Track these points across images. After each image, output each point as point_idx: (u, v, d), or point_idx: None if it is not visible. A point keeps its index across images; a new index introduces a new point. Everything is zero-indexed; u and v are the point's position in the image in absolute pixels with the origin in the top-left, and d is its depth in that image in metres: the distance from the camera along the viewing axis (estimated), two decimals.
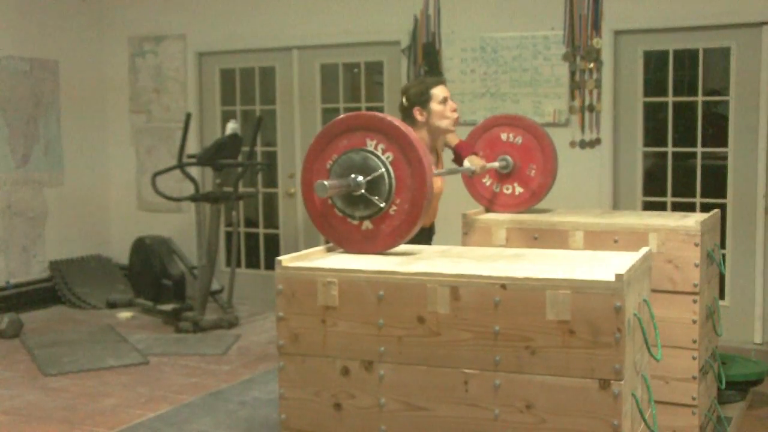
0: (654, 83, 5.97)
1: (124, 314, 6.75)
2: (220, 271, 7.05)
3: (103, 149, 7.72)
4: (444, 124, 3.86)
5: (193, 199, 6.51)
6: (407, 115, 3.81)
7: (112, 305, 7.00)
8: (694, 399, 3.61)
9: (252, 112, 7.31)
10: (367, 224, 2.82)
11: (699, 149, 5.87)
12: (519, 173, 4.07)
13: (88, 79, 7.56)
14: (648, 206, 6.03)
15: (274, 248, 7.20)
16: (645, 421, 2.53)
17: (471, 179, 4.14)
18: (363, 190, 2.78)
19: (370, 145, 2.79)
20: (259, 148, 7.07)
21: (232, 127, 6.45)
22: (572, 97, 6.02)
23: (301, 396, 2.59)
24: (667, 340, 3.38)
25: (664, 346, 3.12)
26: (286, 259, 2.63)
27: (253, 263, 7.41)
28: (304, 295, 2.56)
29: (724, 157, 5.79)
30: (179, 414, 4.50)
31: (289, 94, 7.09)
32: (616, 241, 3.61)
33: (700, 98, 5.85)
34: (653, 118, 6.05)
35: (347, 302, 2.51)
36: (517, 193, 4.10)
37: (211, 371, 5.28)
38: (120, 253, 7.56)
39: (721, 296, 5.39)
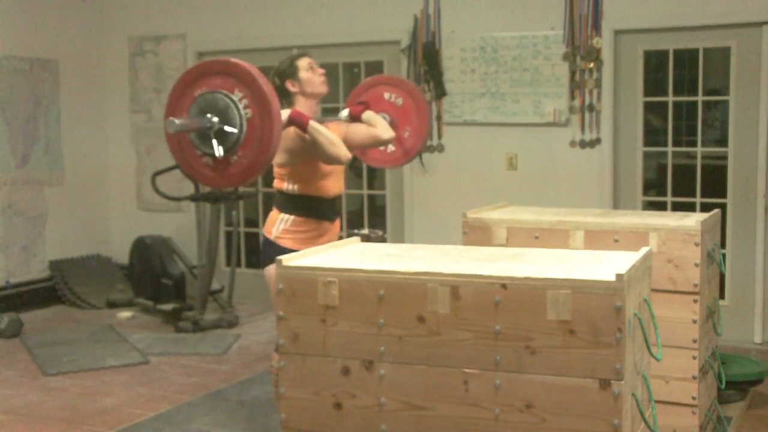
0: (654, 83, 5.97)
1: (124, 314, 6.75)
2: (220, 271, 7.05)
3: (103, 149, 7.72)
4: (316, 88, 3.94)
5: (193, 198, 6.51)
6: (282, 93, 3.89)
7: (112, 305, 7.00)
8: (694, 399, 3.61)
9: None
10: (229, 158, 3.14)
11: (699, 149, 5.87)
12: (395, 132, 4.20)
13: (88, 79, 7.56)
14: (648, 206, 6.04)
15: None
16: (645, 420, 2.53)
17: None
18: (217, 126, 3.10)
19: (229, 90, 3.12)
20: None
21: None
22: (572, 97, 6.02)
23: (301, 396, 2.59)
24: (668, 340, 3.38)
25: (664, 345, 3.12)
26: (286, 259, 2.63)
27: (253, 263, 7.41)
28: (305, 294, 2.56)
29: (724, 157, 5.80)
30: (179, 414, 4.50)
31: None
32: (616, 241, 3.61)
33: (700, 98, 5.85)
34: (653, 118, 6.05)
35: (347, 302, 2.51)
36: (390, 150, 4.34)
37: (211, 371, 5.28)
38: (120, 252, 7.56)
39: (721, 296, 5.39)
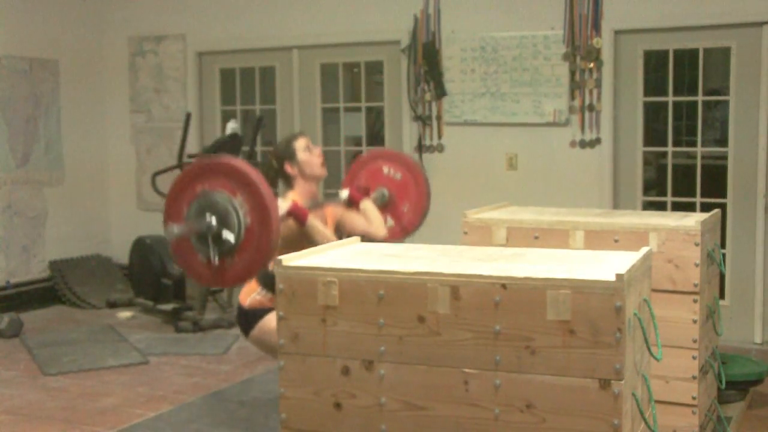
0: (654, 83, 5.97)
1: (124, 314, 6.75)
2: None
3: (103, 149, 7.72)
4: (315, 170, 3.98)
5: None
6: (281, 174, 3.95)
7: (112, 305, 7.00)
8: (694, 399, 3.61)
9: (252, 112, 7.31)
10: (224, 260, 3.16)
11: (699, 149, 5.87)
12: (394, 207, 4.29)
13: (88, 79, 7.56)
14: (648, 206, 6.04)
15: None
16: (645, 420, 2.53)
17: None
18: (216, 230, 3.11)
19: (231, 193, 3.13)
20: (259, 148, 7.07)
21: (232, 126, 6.45)
22: (572, 97, 6.02)
23: (301, 395, 2.59)
24: (668, 340, 3.38)
25: (664, 345, 3.12)
26: (286, 259, 2.63)
27: None
28: (305, 294, 2.56)
29: (724, 157, 5.80)
30: (179, 414, 4.50)
31: (289, 93, 7.10)
32: (616, 241, 3.61)
33: (700, 98, 5.85)
34: (653, 118, 6.05)
35: (347, 302, 2.51)
36: (388, 225, 4.29)
37: (211, 371, 5.28)
38: (120, 252, 7.56)
39: (721, 296, 5.38)
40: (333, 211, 4.06)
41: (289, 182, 3.93)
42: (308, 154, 3.96)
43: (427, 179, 4.36)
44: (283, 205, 3.65)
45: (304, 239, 3.68)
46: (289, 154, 3.94)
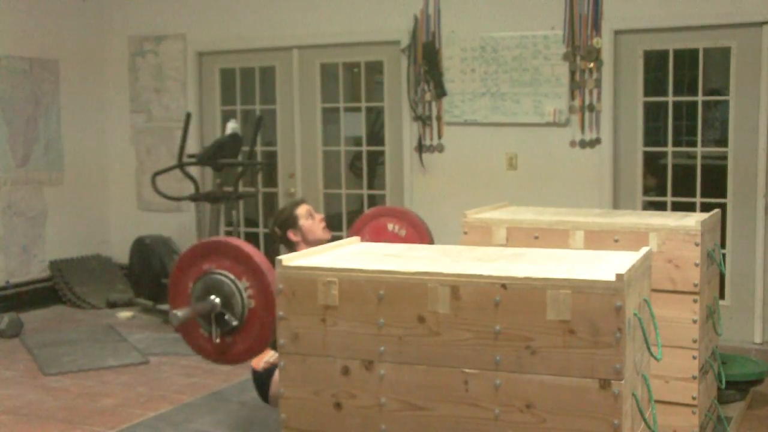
0: (654, 83, 5.97)
1: (124, 314, 6.75)
2: None
3: (103, 149, 7.72)
4: (317, 235, 4.04)
5: (193, 198, 6.51)
6: (284, 242, 4.01)
7: (112, 305, 7.00)
8: (694, 399, 3.61)
9: (252, 112, 7.31)
10: (225, 338, 3.23)
11: (699, 149, 5.87)
12: None
13: (88, 79, 7.56)
14: (648, 206, 6.04)
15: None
16: (645, 420, 2.53)
17: None
18: (219, 310, 3.17)
19: (237, 276, 3.19)
20: (259, 148, 7.07)
21: (232, 126, 6.45)
22: (572, 97, 6.02)
23: (301, 395, 2.59)
24: (668, 340, 3.38)
25: (664, 345, 3.12)
26: (286, 259, 2.63)
27: None
28: (305, 294, 2.56)
29: (724, 157, 5.80)
30: (179, 414, 4.50)
31: (289, 93, 7.10)
32: (616, 241, 3.61)
33: (700, 98, 5.85)
34: (653, 118, 6.05)
35: (347, 302, 2.51)
36: None
37: (211, 371, 5.28)
38: (120, 252, 7.56)
39: (721, 296, 5.38)
40: None
41: (292, 248, 3.99)
42: (311, 221, 4.05)
43: (431, 235, 4.37)
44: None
45: None
46: (291, 222, 4.03)
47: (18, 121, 6.95)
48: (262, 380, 3.90)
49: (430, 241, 4.37)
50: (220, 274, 3.21)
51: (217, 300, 3.19)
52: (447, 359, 2.41)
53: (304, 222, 4.02)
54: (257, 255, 3.22)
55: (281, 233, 4.01)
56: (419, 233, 4.35)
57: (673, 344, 3.53)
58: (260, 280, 3.16)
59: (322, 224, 4.07)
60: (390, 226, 4.38)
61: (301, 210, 4.06)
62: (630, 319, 2.33)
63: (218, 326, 3.21)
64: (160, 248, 6.98)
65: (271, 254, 3.17)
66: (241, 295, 3.18)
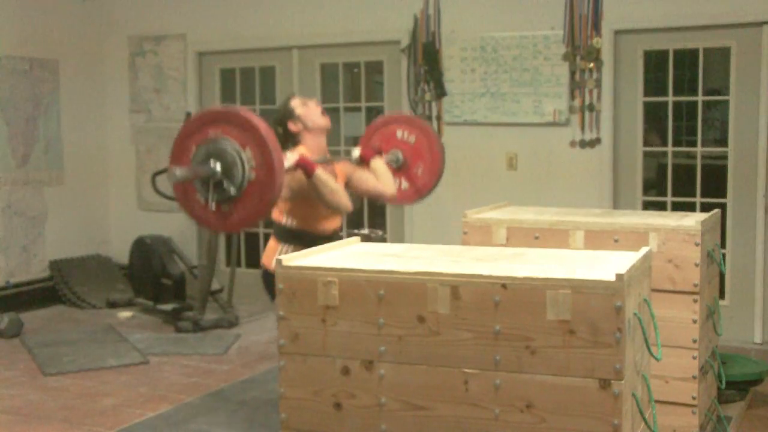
0: (654, 83, 5.97)
1: (124, 314, 6.75)
2: (220, 271, 7.05)
3: (103, 149, 7.72)
4: (316, 120, 3.98)
5: None
6: (287, 136, 3.95)
7: (112, 305, 7.00)
8: (694, 398, 3.61)
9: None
10: (220, 206, 3.19)
11: (699, 149, 5.87)
12: (407, 170, 4.32)
13: (88, 79, 7.56)
14: (648, 206, 6.04)
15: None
16: (645, 420, 2.53)
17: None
18: (218, 178, 3.12)
19: (241, 144, 3.14)
20: None
21: None
22: (572, 97, 6.02)
23: (301, 395, 2.59)
24: (667, 340, 3.38)
25: (664, 345, 3.12)
26: (287, 259, 2.63)
27: (253, 263, 7.41)
28: (305, 294, 2.56)
29: (724, 157, 5.80)
30: (179, 414, 4.50)
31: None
32: (616, 241, 3.61)
33: (700, 98, 5.85)
34: (653, 118, 6.05)
35: (347, 302, 2.51)
36: (403, 187, 4.37)
37: (211, 371, 5.28)
38: (120, 252, 7.56)
39: (721, 296, 5.39)
40: (343, 168, 4.07)
41: (296, 141, 3.93)
42: (305, 108, 3.98)
43: (441, 142, 4.41)
44: (291, 157, 3.67)
45: (312, 191, 3.72)
46: (288, 114, 3.96)
47: (18, 121, 6.95)
48: (272, 281, 3.86)
49: (439, 147, 4.38)
50: (225, 141, 3.16)
51: (218, 167, 3.15)
52: (447, 359, 2.41)
53: (300, 111, 3.95)
54: (265, 128, 3.17)
55: (282, 129, 3.94)
56: (428, 139, 4.36)
57: (673, 344, 3.54)
58: (265, 153, 3.11)
59: (318, 109, 4.00)
60: (399, 133, 4.39)
61: (294, 102, 4.00)
62: (630, 319, 2.33)
63: (216, 193, 3.16)
64: (160, 248, 6.98)
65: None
66: (243, 165, 3.14)
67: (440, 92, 6.39)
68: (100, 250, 7.66)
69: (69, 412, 4.55)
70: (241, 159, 3.13)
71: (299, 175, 3.72)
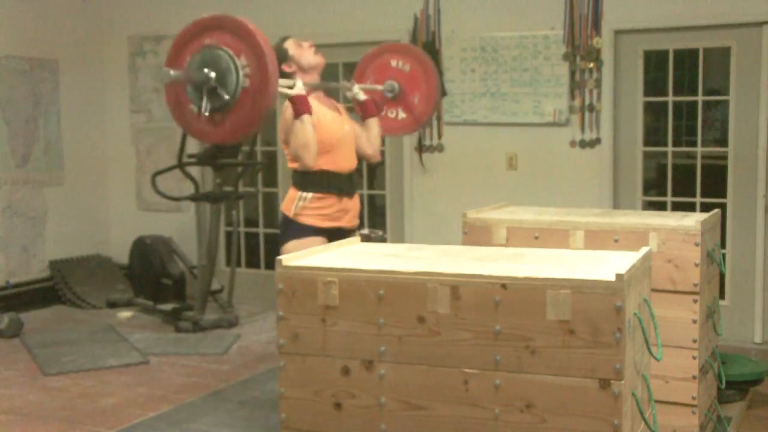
0: (654, 83, 5.97)
1: (124, 314, 6.75)
2: (220, 271, 7.05)
3: (103, 149, 7.72)
4: (310, 60, 3.99)
5: (193, 198, 6.51)
6: (282, 77, 3.91)
7: (112, 305, 7.00)
8: (694, 398, 3.61)
9: None
10: (213, 115, 3.19)
11: (699, 149, 5.87)
12: (404, 99, 4.33)
13: (88, 79, 7.56)
14: (648, 206, 6.04)
15: (274, 248, 7.19)
16: (645, 420, 2.53)
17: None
18: (212, 84, 3.13)
19: (236, 52, 3.15)
20: (259, 148, 7.07)
21: None
22: (572, 97, 6.02)
23: (301, 395, 2.59)
24: (667, 340, 3.38)
25: (664, 345, 3.12)
26: (287, 259, 2.63)
27: (253, 263, 7.41)
28: (305, 294, 2.56)
29: (724, 157, 5.80)
30: (179, 414, 4.49)
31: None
32: (616, 241, 3.61)
33: (700, 98, 5.85)
34: (653, 118, 6.05)
35: (347, 302, 2.51)
36: (400, 117, 4.38)
37: (211, 371, 5.28)
38: (120, 252, 7.56)
39: (721, 296, 5.39)
40: (352, 126, 4.07)
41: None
42: (299, 48, 3.98)
43: (436, 68, 4.38)
44: (288, 91, 3.67)
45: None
46: (282, 56, 3.94)
47: (18, 121, 6.95)
48: (291, 227, 3.83)
49: (435, 74, 4.37)
50: (220, 49, 3.16)
51: (212, 73, 3.14)
52: (447, 359, 2.41)
53: (293, 52, 3.95)
54: (260, 34, 3.17)
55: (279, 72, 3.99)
56: (423, 68, 4.34)
57: (673, 344, 3.54)
58: (259, 60, 3.11)
59: (312, 49, 4.00)
60: (393, 63, 4.38)
61: (288, 42, 4.00)
62: (630, 319, 2.33)
63: (209, 100, 3.15)
64: (160, 248, 6.98)
65: None
66: (237, 72, 3.14)
67: (440, 92, 6.38)
68: (100, 250, 7.66)
69: (69, 412, 4.55)
70: (235, 65, 3.14)
71: (288, 114, 3.72)
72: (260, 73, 3.10)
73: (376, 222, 6.93)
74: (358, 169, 4.11)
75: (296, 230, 3.84)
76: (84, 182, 7.54)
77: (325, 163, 3.82)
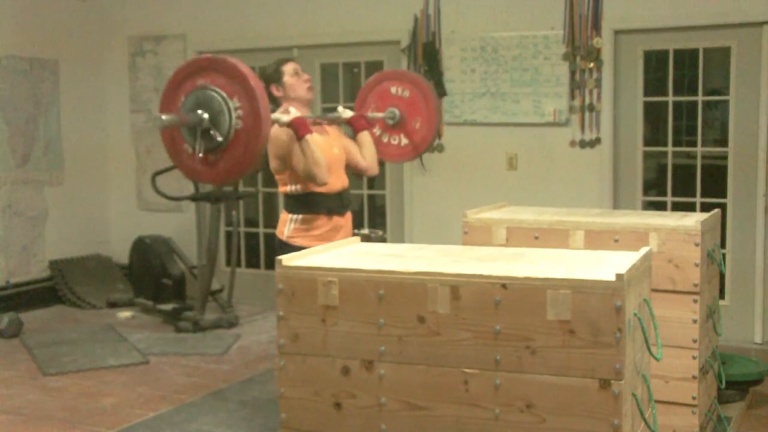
0: (654, 83, 5.97)
1: (124, 314, 6.74)
2: (220, 271, 7.05)
3: (103, 149, 7.72)
4: (300, 93, 3.98)
5: (193, 198, 6.51)
6: (268, 97, 3.93)
7: (112, 305, 7.00)
8: (694, 398, 3.61)
9: None
10: (208, 156, 3.23)
11: (699, 149, 5.87)
12: (405, 125, 4.34)
13: (88, 79, 7.56)
14: (648, 206, 6.04)
15: (274, 248, 7.19)
16: (645, 420, 2.53)
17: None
18: (205, 126, 3.17)
19: (229, 95, 3.18)
20: None
21: None
22: (572, 97, 6.02)
23: (301, 395, 2.59)
24: (668, 340, 3.38)
25: (664, 345, 3.12)
26: (287, 259, 2.63)
27: (253, 263, 7.41)
28: (305, 294, 2.56)
29: (724, 157, 5.80)
30: (179, 414, 4.50)
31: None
32: (616, 241, 3.61)
33: (700, 98, 5.85)
34: (653, 118, 6.05)
35: (347, 302, 2.51)
36: (402, 144, 4.38)
37: (211, 371, 5.28)
38: (120, 252, 7.56)
39: (721, 296, 5.39)
40: (339, 138, 4.08)
41: (275, 103, 3.93)
42: (296, 78, 3.97)
43: (435, 92, 4.41)
44: (284, 116, 3.69)
45: (296, 152, 3.74)
46: (276, 77, 3.95)
47: (18, 121, 6.95)
48: (285, 252, 3.86)
49: (434, 99, 4.38)
50: (213, 90, 3.19)
51: (205, 115, 3.17)
52: (447, 359, 2.41)
53: (288, 78, 3.94)
54: (252, 77, 3.20)
55: (265, 87, 3.96)
56: (422, 92, 4.36)
57: (673, 344, 3.53)
58: (252, 102, 3.15)
59: (308, 84, 3.99)
60: (393, 90, 4.40)
61: (288, 67, 3.99)
62: (630, 319, 2.33)
63: (203, 141, 3.19)
64: (160, 248, 6.98)
65: None
66: (230, 113, 3.18)
67: (440, 92, 6.38)
68: (100, 250, 7.66)
69: (69, 412, 4.55)
70: (228, 107, 3.16)
71: (284, 137, 3.71)
72: (253, 116, 3.15)
73: (376, 222, 6.93)
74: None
75: (290, 252, 3.89)
76: (84, 182, 7.54)
77: (315, 185, 3.84)
